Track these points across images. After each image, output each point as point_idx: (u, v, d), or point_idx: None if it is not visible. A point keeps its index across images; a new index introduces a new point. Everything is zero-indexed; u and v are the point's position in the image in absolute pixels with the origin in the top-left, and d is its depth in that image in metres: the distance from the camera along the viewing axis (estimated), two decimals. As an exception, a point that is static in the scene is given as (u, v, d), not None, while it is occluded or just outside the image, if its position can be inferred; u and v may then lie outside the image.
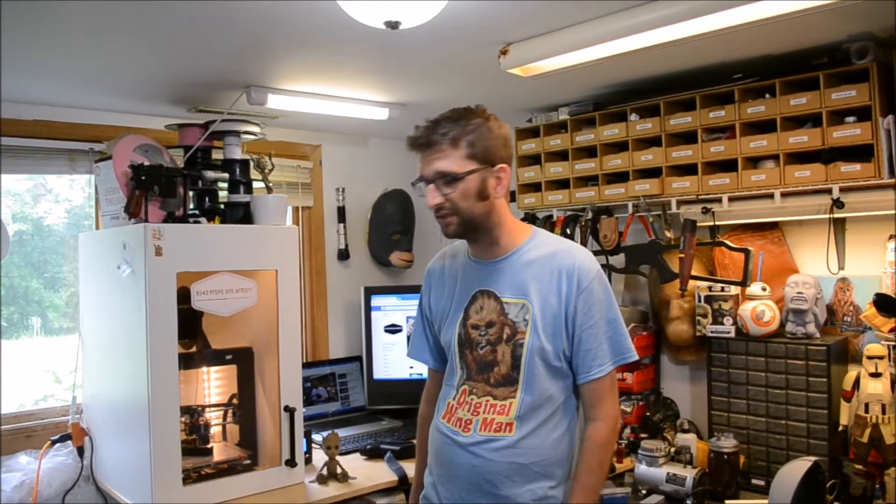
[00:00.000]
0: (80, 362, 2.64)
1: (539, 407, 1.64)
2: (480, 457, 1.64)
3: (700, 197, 2.51)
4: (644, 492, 2.36)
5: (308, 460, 2.62)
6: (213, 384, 2.56)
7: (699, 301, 2.63)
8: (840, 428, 2.32)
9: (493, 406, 1.65)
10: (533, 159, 3.05)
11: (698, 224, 2.53)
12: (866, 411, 2.24)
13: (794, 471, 2.05)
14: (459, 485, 1.69)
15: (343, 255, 3.53)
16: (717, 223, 2.51)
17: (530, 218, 3.04)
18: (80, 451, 2.56)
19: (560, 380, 1.66)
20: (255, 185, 2.65)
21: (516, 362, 1.64)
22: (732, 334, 2.54)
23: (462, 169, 1.58)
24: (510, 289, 1.66)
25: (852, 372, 2.33)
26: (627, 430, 2.71)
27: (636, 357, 1.68)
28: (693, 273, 2.56)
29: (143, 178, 2.22)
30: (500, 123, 1.66)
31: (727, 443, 2.36)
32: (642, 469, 2.39)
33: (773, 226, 2.62)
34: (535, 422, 1.64)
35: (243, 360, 2.53)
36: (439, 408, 1.78)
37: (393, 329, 3.29)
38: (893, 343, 2.24)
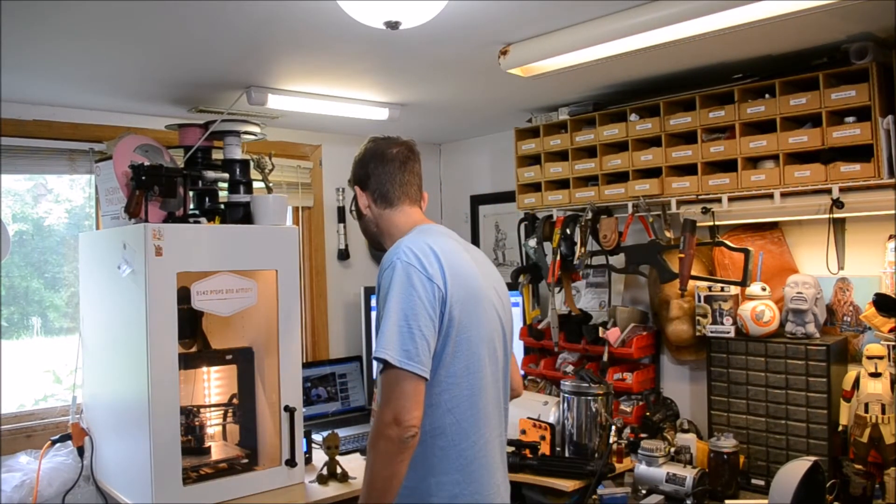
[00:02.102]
0: (80, 362, 2.65)
1: None
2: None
3: (700, 197, 2.51)
4: (644, 492, 2.36)
5: (308, 460, 2.62)
6: (213, 384, 2.56)
7: (699, 301, 2.63)
8: (840, 428, 2.32)
9: None
10: (533, 159, 3.05)
11: (698, 224, 2.53)
12: (866, 411, 2.24)
13: (794, 471, 2.05)
14: None
15: (343, 255, 3.54)
16: (716, 223, 2.51)
17: (530, 218, 3.04)
18: (80, 451, 2.57)
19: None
20: (255, 185, 2.65)
21: None
22: (732, 334, 2.54)
23: (351, 198, 1.88)
24: None
25: (852, 372, 2.33)
26: (627, 430, 2.72)
27: (385, 356, 1.50)
28: (693, 273, 2.56)
29: (144, 178, 2.22)
30: (362, 149, 1.85)
31: (727, 443, 2.37)
32: (642, 469, 2.39)
33: (773, 226, 2.62)
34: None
35: (243, 360, 2.53)
36: None
37: (393, 329, 3.28)
38: (893, 343, 2.24)
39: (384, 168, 1.79)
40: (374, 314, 1.72)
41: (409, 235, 1.72)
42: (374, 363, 1.56)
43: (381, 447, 1.50)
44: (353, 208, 1.88)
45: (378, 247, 1.87)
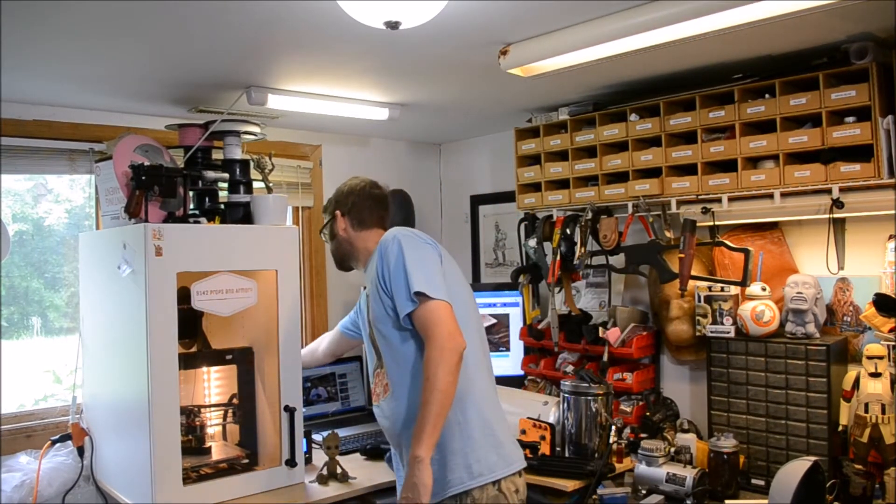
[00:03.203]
0: (80, 362, 2.65)
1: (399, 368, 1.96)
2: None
3: (700, 197, 2.51)
4: (644, 492, 2.36)
5: (308, 460, 2.62)
6: (213, 384, 2.56)
7: (699, 301, 2.63)
8: (840, 428, 2.32)
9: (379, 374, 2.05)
10: (533, 159, 3.05)
11: (698, 224, 2.53)
12: (866, 411, 2.24)
13: (794, 471, 2.05)
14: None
15: (343, 255, 3.53)
16: (716, 223, 2.51)
17: (530, 218, 3.04)
18: (80, 451, 2.57)
19: (403, 330, 1.92)
20: (255, 185, 2.65)
21: (370, 330, 2.04)
22: (732, 334, 2.54)
23: (323, 224, 2.30)
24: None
25: (852, 372, 2.34)
26: (627, 430, 2.71)
27: (420, 290, 1.82)
28: (693, 273, 2.56)
29: (144, 178, 2.22)
30: (345, 184, 2.26)
31: (727, 443, 2.36)
32: (642, 469, 2.39)
33: (773, 226, 2.62)
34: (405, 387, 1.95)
35: (243, 360, 2.53)
36: None
37: (393, 329, 3.29)
38: (893, 343, 2.24)
39: (366, 202, 2.19)
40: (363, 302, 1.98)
41: (393, 229, 2.03)
42: (407, 303, 1.85)
43: (446, 358, 1.77)
44: (327, 231, 2.25)
45: (344, 266, 2.28)
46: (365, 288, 2.13)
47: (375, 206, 2.20)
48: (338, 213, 2.21)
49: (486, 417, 1.95)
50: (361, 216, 2.19)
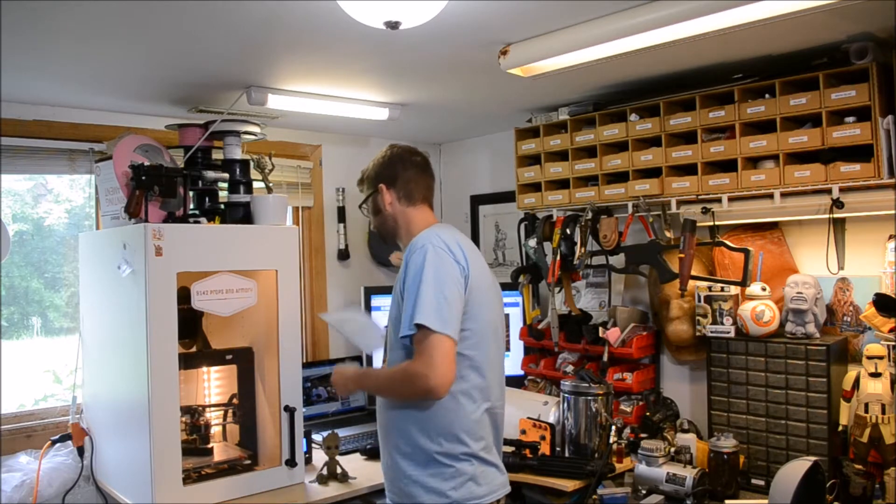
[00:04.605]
0: (80, 362, 2.65)
1: None
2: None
3: (700, 197, 2.51)
4: (644, 492, 2.36)
5: (308, 460, 2.62)
6: (213, 384, 2.56)
7: (699, 301, 2.63)
8: (840, 428, 2.32)
9: None
10: (533, 159, 3.05)
11: (698, 224, 2.53)
12: (866, 411, 2.24)
13: (794, 471, 2.05)
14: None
15: (343, 255, 3.54)
16: (716, 223, 2.51)
17: (530, 218, 3.04)
18: (80, 451, 2.57)
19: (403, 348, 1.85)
20: (255, 185, 2.65)
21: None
22: (732, 334, 2.54)
23: (363, 198, 2.11)
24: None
25: (852, 372, 2.33)
26: (627, 430, 2.71)
27: (422, 322, 1.73)
28: (693, 273, 2.56)
29: (144, 178, 2.22)
30: (387, 153, 2.07)
31: (727, 443, 2.36)
32: (642, 469, 2.39)
33: (773, 226, 2.62)
34: None
35: (243, 360, 2.53)
36: None
37: (393, 329, 3.29)
38: (893, 343, 2.24)
39: (409, 171, 2.03)
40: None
41: (431, 229, 1.92)
42: (408, 327, 1.76)
43: (419, 386, 1.74)
44: (369, 205, 2.08)
45: (391, 241, 2.11)
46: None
47: (420, 175, 2.04)
48: (382, 186, 2.02)
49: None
50: (408, 188, 2.02)
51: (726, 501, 2.31)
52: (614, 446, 2.58)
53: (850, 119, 2.19)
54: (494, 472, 1.89)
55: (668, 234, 2.66)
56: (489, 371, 1.90)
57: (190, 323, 2.41)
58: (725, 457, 2.35)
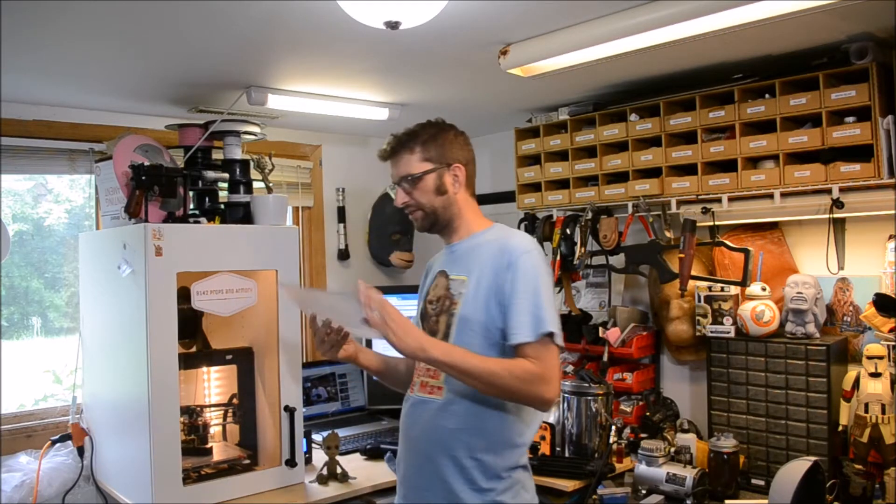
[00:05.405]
0: (80, 362, 2.65)
1: None
2: (415, 416, 1.79)
3: (700, 197, 2.51)
4: (644, 492, 2.36)
5: (308, 460, 2.62)
6: (213, 384, 2.56)
7: (699, 301, 2.63)
8: (840, 428, 2.32)
9: (428, 370, 1.78)
10: (533, 159, 3.05)
11: (698, 224, 2.53)
12: (866, 411, 2.24)
13: (794, 471, 2.05)
14: (405, 452, 1.82)
15: (343, 255, 3.54)
16: (716, 223, 2.51)
17: (530, 218, 3.04)
18: (80, 451, 2.57)
19: (496, 351, 1.70)
20: (255, 185, 2.65)
21: (448, 330, 1.76)
22: (732, 334, 2.54)
23: (419, 170, 1.79)
24: (457, 268, 1.80)
25: (852, 372, 2.33)
26: (627, 430, 2.71)
27: (552, 330, 1.67)
28: (693, 273, 2.56)
29: (144, 178, 2.22)
30: (457, 131, 1.84)
31: (727, 443, 2.36)
32: (642, 469, 2.39)
33: (773, 226, 2.62)
34: (465, 388, 1.69)
35: (243, 360, 2.53)
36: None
37: (393, 329, 3.28)
38: (893, 343, 2.24)
39: (474, 158, 1.86)
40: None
41: (512, 229, 1.85)
42: (526, 333, 1.65)
43: (532, 393, 1.65)
44: (428, 182, 1.78)
45: (437, 229, 1.85)
46: (442, 272, 1.84)
47: (474, 163, 1.85)
48: (458, 165, 1.79)
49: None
50: (474, 176, 1.84)
51: (726, 501, 2.31)
52: (614, 446, 2.58)
53: (850, 119, 2.19)
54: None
55: (668, 234, 2.66)
56: None
57: (190, 323, 2.41)
58: (725, 457, 2.35)
